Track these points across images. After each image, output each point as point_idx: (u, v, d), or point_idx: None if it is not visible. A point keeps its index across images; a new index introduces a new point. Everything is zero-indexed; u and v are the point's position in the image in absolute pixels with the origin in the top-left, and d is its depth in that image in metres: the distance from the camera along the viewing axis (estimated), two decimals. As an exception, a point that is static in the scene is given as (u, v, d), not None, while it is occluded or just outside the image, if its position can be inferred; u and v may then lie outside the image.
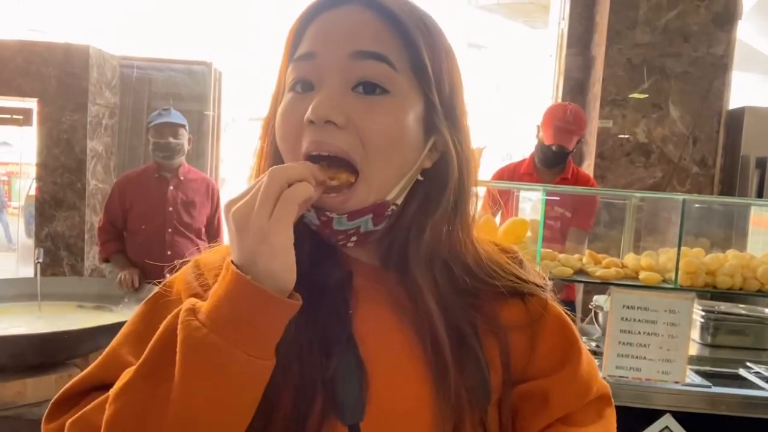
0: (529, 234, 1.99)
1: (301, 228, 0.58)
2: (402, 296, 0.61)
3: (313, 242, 0.60)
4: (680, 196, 1.88)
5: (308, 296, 0.57)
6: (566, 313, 0.67)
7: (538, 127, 2.72)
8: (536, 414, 0.62)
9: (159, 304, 0.63)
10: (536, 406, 0.62)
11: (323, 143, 0.55)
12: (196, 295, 0.59)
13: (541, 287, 0.66)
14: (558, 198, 2.61)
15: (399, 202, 0.60)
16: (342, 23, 0.58)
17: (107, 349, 0.61)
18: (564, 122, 2.58)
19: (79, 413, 0.55)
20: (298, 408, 0.55)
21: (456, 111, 0.61)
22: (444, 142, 0.60)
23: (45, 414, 0.59)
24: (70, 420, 0.55)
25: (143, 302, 0.65)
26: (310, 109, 0.55)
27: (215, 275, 0.61)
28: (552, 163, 2.70)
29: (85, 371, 0.60)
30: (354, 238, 0.59)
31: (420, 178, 0.61)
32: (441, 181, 0.61)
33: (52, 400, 0.59)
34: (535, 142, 2.79)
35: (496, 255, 0.66)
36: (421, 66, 0.58)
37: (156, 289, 0.65)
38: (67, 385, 0.60)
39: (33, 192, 3.95)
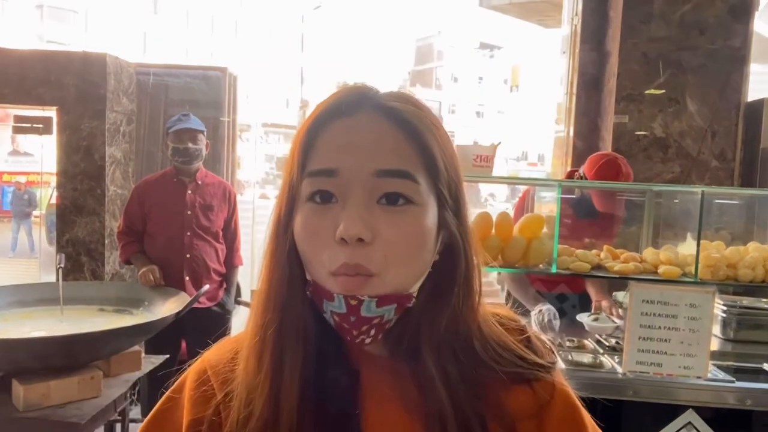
0: (545, 230, 1.98)
1: (307, 326, 0.60)
2: (411, 389, 0.61)
3: (322, 340, 0.61)
4: (699, 188, 1.86)
5: (316, 397, 0.58)
6: (576, 396, 0.66)
7: (581, 174, 2.49)
8: None
9: (167, 409, 0.66)
10: None
11: (358, 266, 0.56)
12: (199, 412, 0.61)
13: (549, 367, 0.65)
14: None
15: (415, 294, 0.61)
16: (360, 137, 0.58)
17: None
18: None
19: None
20: None
21: (461, 203, 0.62)
22: (451, 235, 0.61)
23: None
24: None
25: (156, 405, 0.67)
26: (342, 228, 0.55)
27: (221, 381, 0.62)
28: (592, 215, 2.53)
29: None
30: (373, 332, 0.59)
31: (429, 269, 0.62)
32: (449, 271, 0.61)
33: None
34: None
35: (503, 336, 0.65)
36: (435, 168, 0.59)
37: (167, 393, 0.66)
38: None
39: (54, 201, 4.01)
